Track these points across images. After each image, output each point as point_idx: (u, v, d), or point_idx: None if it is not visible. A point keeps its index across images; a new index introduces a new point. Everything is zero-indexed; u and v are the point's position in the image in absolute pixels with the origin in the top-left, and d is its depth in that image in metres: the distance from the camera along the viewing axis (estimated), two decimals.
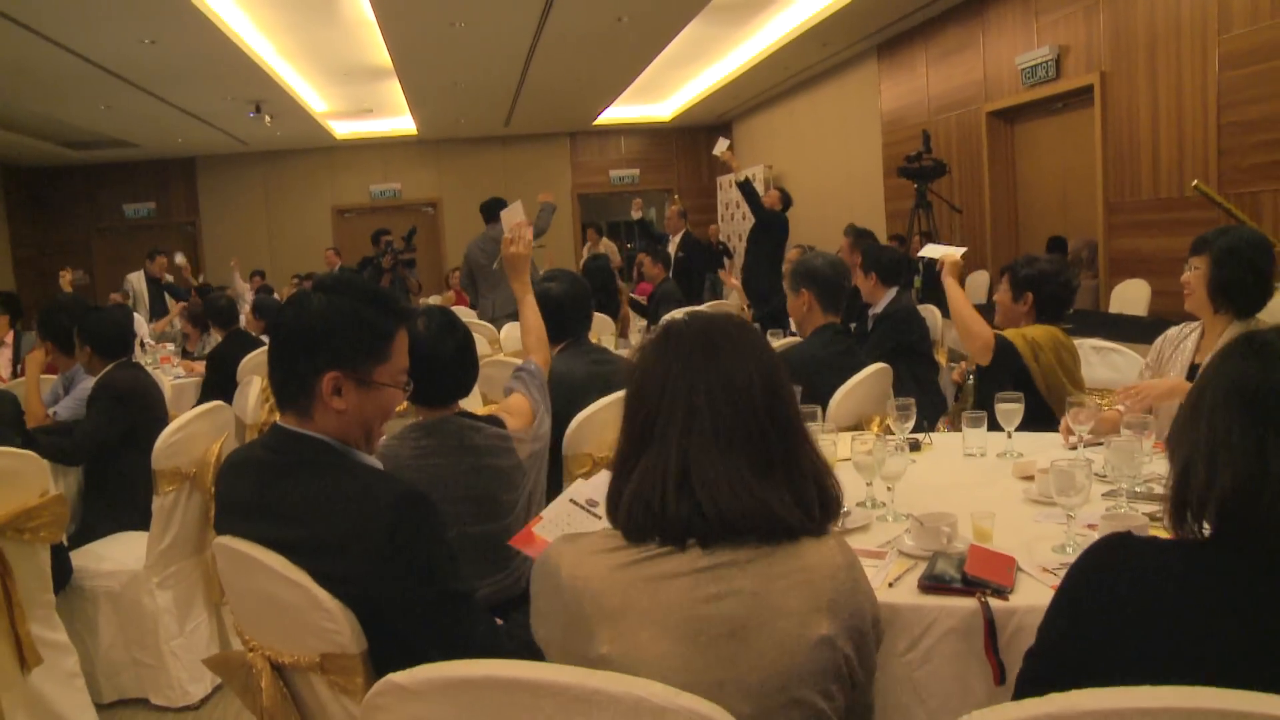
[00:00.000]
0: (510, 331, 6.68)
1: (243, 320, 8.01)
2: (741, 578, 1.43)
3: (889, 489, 2.53)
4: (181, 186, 17.36)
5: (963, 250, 4.30)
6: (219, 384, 6.24)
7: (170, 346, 8.37)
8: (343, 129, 15.97)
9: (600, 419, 3.33)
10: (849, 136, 12.79)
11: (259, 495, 1.93)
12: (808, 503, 1.53)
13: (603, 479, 2.30)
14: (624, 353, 5.06)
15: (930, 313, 6.38)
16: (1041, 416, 3.45)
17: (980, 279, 9.80)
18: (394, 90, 12.97)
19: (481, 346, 3.82)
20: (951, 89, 10.28)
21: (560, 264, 14.95)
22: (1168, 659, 1.36)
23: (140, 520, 4.21)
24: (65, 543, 3.79)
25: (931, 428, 3.87)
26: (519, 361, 3.22)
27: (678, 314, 1.81)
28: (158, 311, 11.34)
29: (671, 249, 10.20)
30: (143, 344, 8.68)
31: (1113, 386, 3.89)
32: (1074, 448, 3.02)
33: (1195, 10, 6.97)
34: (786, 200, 9.77)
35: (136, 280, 11.81)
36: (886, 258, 5.27)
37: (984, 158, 9.75)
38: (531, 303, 3.39)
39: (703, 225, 14.88)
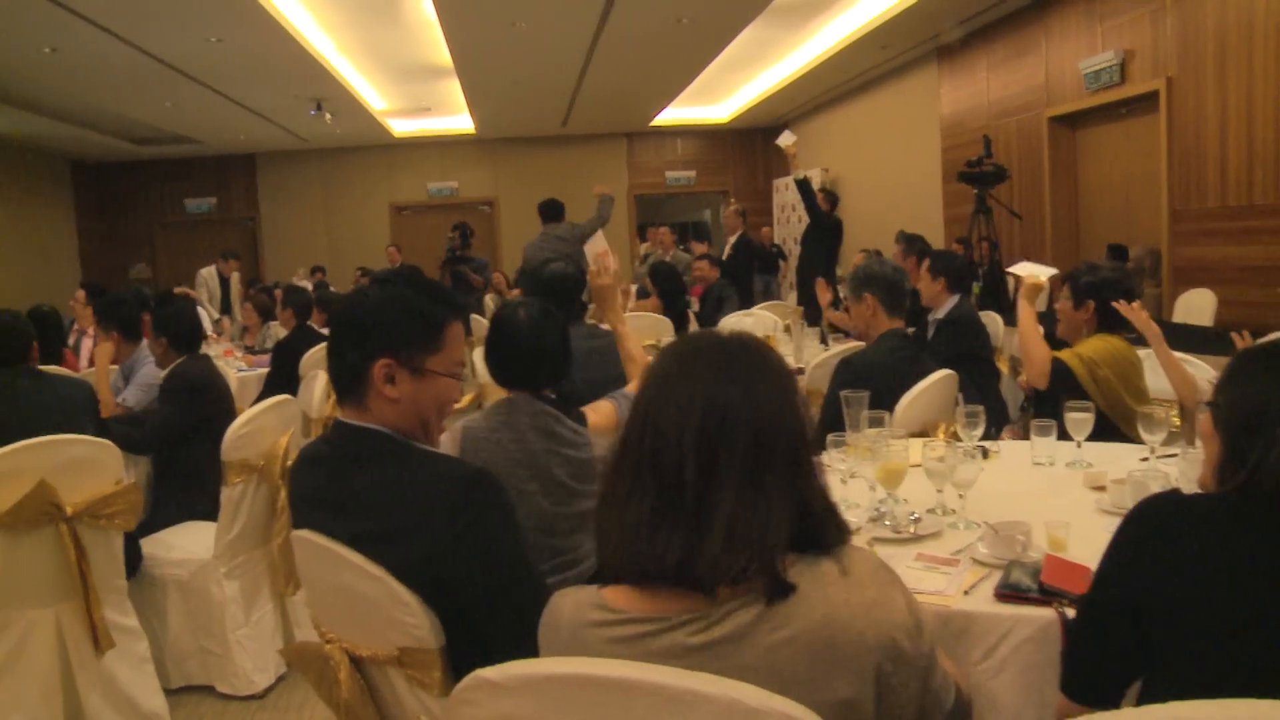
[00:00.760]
0: None
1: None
2: (741, 654, 1.31)
3: (960, 496, 2.52)
4: (242, 182, 17.58)
5: (1052, 272, 4.27)
6: (283, 377, 6.32)
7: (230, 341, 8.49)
8: (401, 127, 16.09)
9: None
10: (907, 140, 12.72)
11: (328, 490, 1.97)
12: (774, 552, 1.35)
13: None
14: None
15: (992, 319, 6.34)
16: (1104, 429, 3.41)
17: None
18: (453, 89, 13.07)
19: None
20: (1012, 93, 10.20)
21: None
22: (1230, 606, 1.49)
23: (206, 510, 4.28)
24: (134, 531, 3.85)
25: (995, 435, 3.85)
26: None
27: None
28: (224, 308, 11.61)
29: (725, 250, 10.20)
30: (205, 337, 8.83)
31: None
32: (1145, 459, 3.00)
33: (1270, 13, 6.86)
34: (832, 202, 9.74)
35: (209, 275, 12.09)
36: (956, 263, 5.25)
37: (1045, 163, 9.67)
38: (629, 334, 3.41)
39: (756, 228, 14.84)
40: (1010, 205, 9.59)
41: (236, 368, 6.85)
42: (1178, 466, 2.71)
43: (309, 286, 12.45)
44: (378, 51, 11.39)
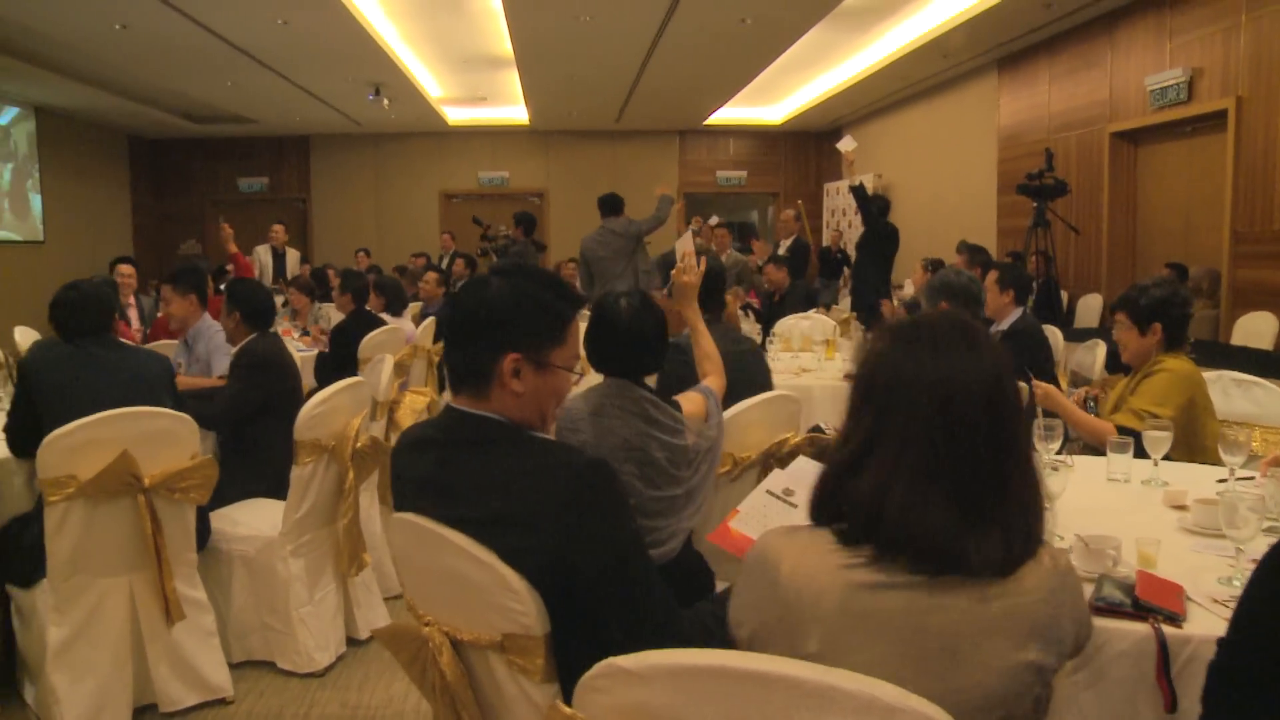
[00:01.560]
0: None
1: None
2: (956, 596, 1.43)
3: (1047, 507, 2.51)
4: (295, 163, 17.71)
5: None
6: (341, 359, 6.38)
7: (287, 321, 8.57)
8: (455, 115, 16.16)
9: (744, 420, 3.36)
10: (963, 150, 12.65)
11: (439, 474, 1.99)
12: (1016, 538, 1.48)
13: (800, 467, 2.38)
14: None
15: (1052, 333, 6.31)
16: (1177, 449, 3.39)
17: (1094, 302, 9.65)
18: (510, 79, 13.12)
19: None
20: (1074, 107, 10.13)
21: None
22: None
23: (270, 487, 4.34)
24: None
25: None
26: None
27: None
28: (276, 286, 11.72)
29: (781, 251, 10.20)
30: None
31: (1255, 420, 3.83)
32: (1223, 480, 2.99)
33: None
34: (882, 207, 9.71)
35: (263, 253, 12.21)
36: (1025, 276, 5.24)
37: (1104, 179, 9.60)
38: (704, 330, 3.43)
39: (812, 232, 14.80)
40: (1068, 220, 9.53)
41: (296, 348, 6.92)
42: (1267, 489, 2.69)
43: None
44: (439, 39, 11.44)
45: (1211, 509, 2.50)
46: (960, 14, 9.98)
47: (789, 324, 7.17)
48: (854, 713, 1.22)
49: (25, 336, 7.46)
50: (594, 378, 2.90)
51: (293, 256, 12.63)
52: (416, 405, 5.20)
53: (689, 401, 2.97)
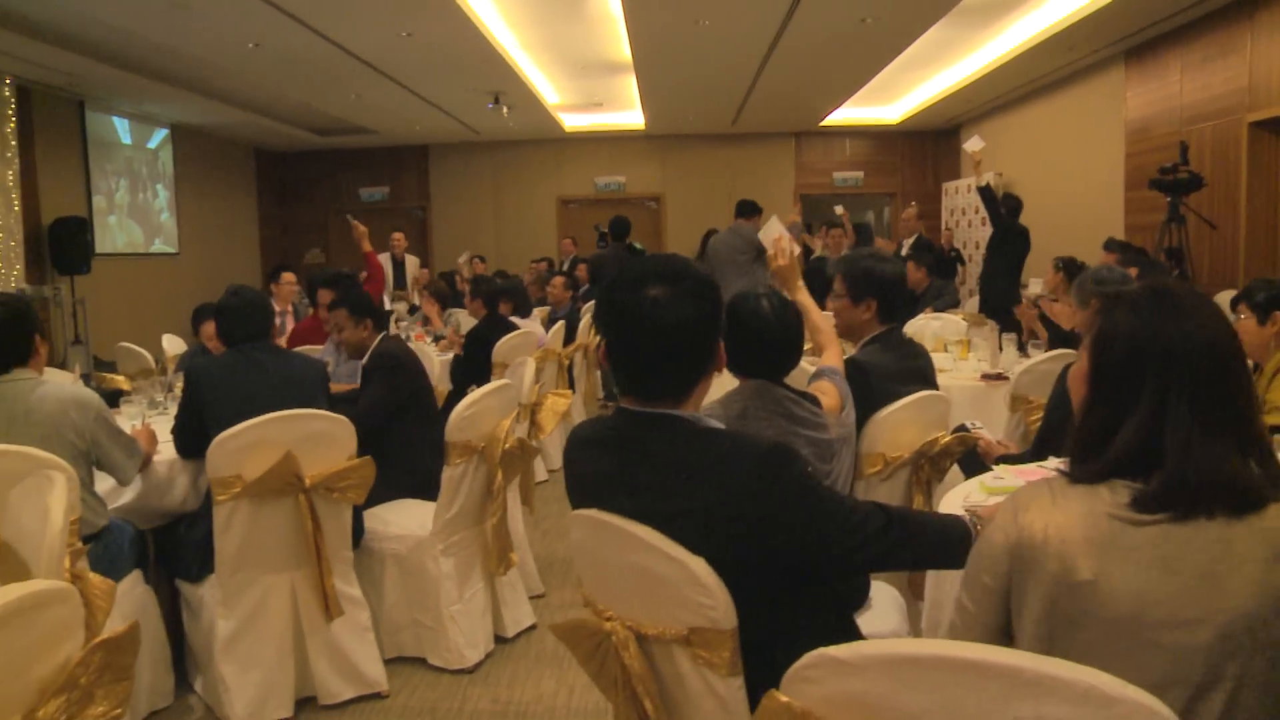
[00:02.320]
0: None
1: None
2: (1211, 528, 1.51)
3: None
4: (414, 173, 18.02)
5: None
6: (474, 364, 6.49)
7: (420, 326, 8.75)
8: (572, 121, 16.30)
9: (895, 420, 3.35)
10: (1087, 146, 12.37)
11: (621, 470, 2.02)
12: (1266, 471, 1.58)
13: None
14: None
15: None
16: None
17: (1229, 299, 9.36)
18: (626, 85, 13.19)
19: None
20: (1209, 97, 9.84)
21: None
22: None
23: (413, 486, 4.45)
24: None
25: None
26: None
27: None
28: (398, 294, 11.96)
29: (904, 250, 10.11)
30: (398, 321, 9.18)
31: None
32: None
33: None
34: (1013, 208, 9.54)
35: (384, 261, 12.45)
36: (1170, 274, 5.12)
37: (1242, 171, 9.30)
38: (814, 305, 3.43)
39: (930, 232, 14.60)
40: (1203, 215, 9.27)
41: (429, 352, 7.05)
42: None
43: (465, 271, 12.73)
44: (557, 46, 11.56)
45: None
46: (1086, 6, 9.77)
47: (919, 324, 7.11)
48: (1072, 701, 1.22)
49: (172, 344, 7.73)
50: (726, 381, 2.91)
51: (411, 263, 12.86)
52: (558, 407, 5.27)
53: (824, 394, 2.97)
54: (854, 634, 2.25)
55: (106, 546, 3.54)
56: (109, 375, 6.99)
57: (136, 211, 13.65)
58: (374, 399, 4.57)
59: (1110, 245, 7.34)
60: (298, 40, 9.71)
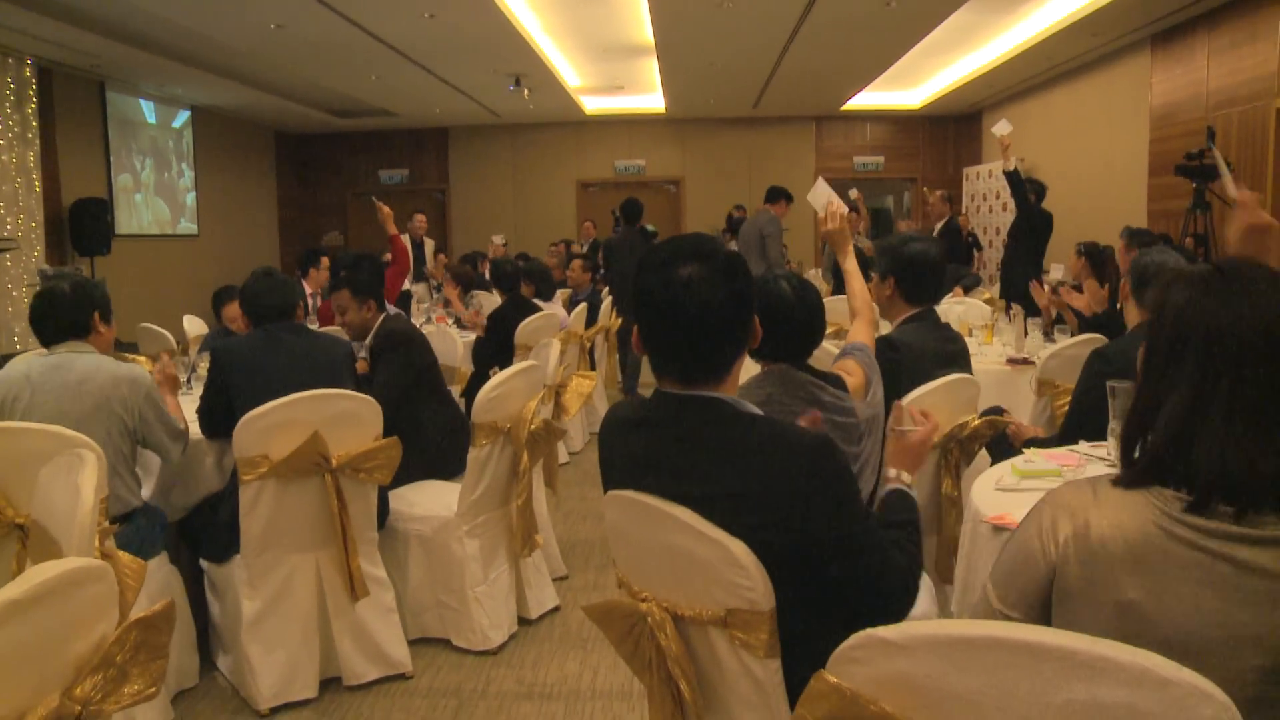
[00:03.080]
0: None
1: None
2: (1265, 543, 1.43)
3: None
4: (433, 155, 18.00)
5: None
6: (498, 344, 6.49)
7: (441, 308, 8.74)
8: (593, 104, 16.26)
9: (925, 404, 3.31)
10: (1111, 131, 12.27)
11: (658, 453, 1.99)
12: None
13: None
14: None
15: None
16: None
17: None
18: (648, 68, 13.14)
19: None
20: (1237, 82, 9.73)
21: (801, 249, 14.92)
22: None
23: (430, 465, 4.45)
24: None
25: None
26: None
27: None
28: (419, 274, 11.94)
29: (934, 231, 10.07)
30: (418, 303, 9.18)
31: None
32: None
33: None
34: (1039, 193, 9.46)
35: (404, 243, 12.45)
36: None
37: (1270, 157, 9.20)
38: (856, 271, 3.41)
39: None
40: (1229, 201, 9.18)
41: (451, 333, 7.05)
42: None
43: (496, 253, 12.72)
44: (580, 29, 11.52)
45: None
46: None
47: (943, 309, 7.05)
48: (1126, 684, 1.20)
49: (193, 325, 7.74)
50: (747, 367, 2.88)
51: (429, 246, 12.88)
52: (583, 389, 5.26)
53: (849, 374, 2.91)
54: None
55: (138, 528, 3.56)
56: (130, 356, 7.00)
57: (163, 190, 13.71)
58: (387, 379, 4.53)
59: (1125, 233, 7.25)
60: (319, 22, 9.69)
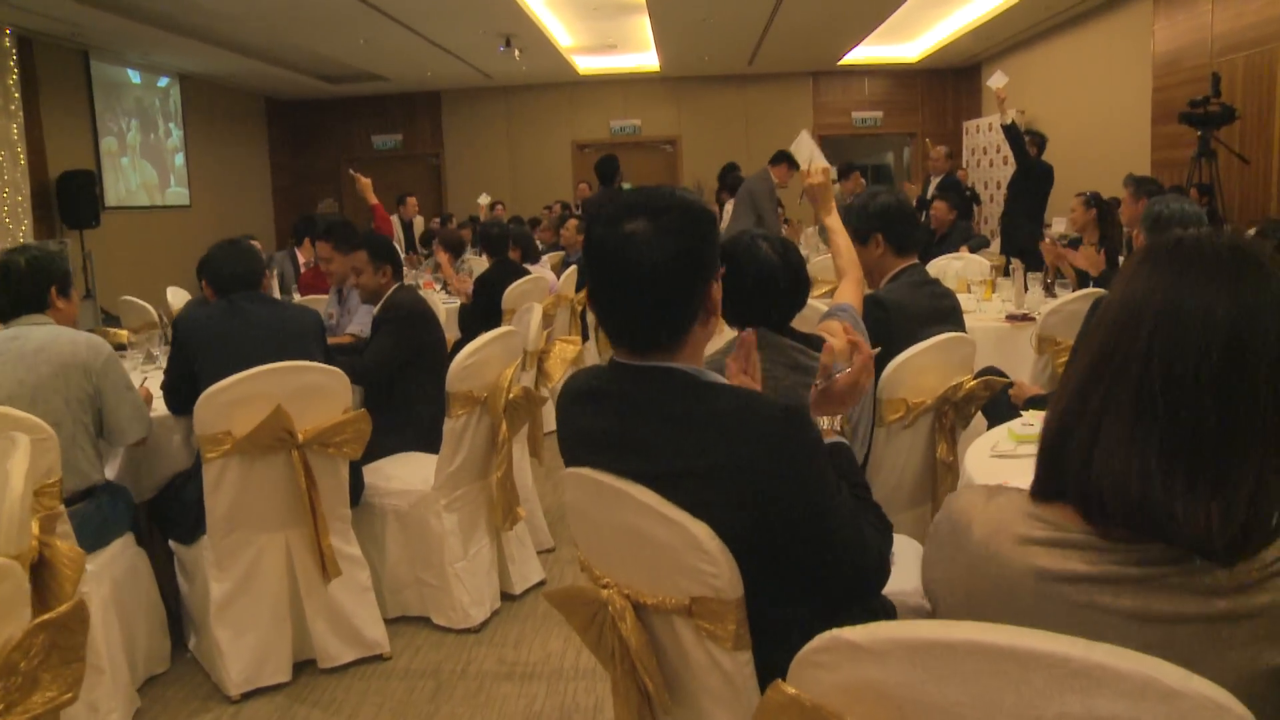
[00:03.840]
0: None
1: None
2: (1178, 597, 1.18)
3: None
4: (427, 120, 17.77)
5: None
6: (485, 309, 6.32)
7: (429, 274, 8.58)
8: (586, 64, 16.01)
9: (917, 364, 3.16)
10: (1113, 80, 12.02)
11: (615, 427, 1.81)
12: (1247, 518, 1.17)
13: None
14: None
15: None
16: None
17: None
18: (640, 26, 12.91)
19: None
20: (1241, 27, 9.49)
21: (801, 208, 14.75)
22: None
23: (415, 440, 4.31)
24: None
25: None
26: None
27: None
28: (409, 249, 11.83)
29: (930, 190, 9.87)
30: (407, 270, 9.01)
31: None
32: None
33: None
34: (1040, 145, 9.25)
35: (394, 224, 12.28)
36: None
37: (1276, 103, 8.98)
38: (839, 228, 3.25)
39: (952, 171, 14.28)
40: (1234, 148, 8.96)
41: (439, 299, 6.90)
42: None
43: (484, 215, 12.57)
44: None
45: None
46: None
47: (941, 264, 6.88)
48: (1127, 696, 1.04)
49: (177, 297, 7.57)
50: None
51: (418, 224, 12.76)
52: (566, 354, 5.10)
53: (832, 335, 2.74)
54: (885, 612, 2.08)
55: (100, 506, 3.41)
56: (112, 330, 6.85)
57: (149, 152, 13.53)
58: (381, 349, 4.42)
59: (1127, 181, 7.03)
60: None
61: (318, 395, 3.48)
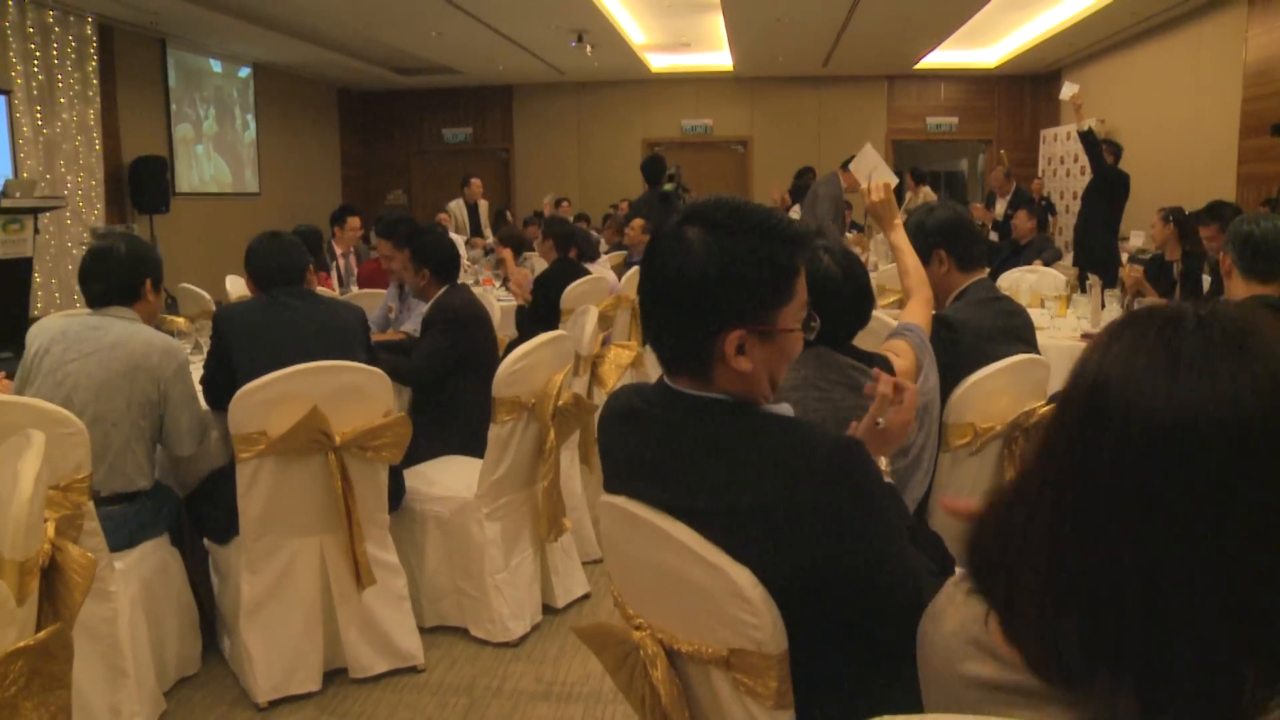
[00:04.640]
0: None
1: None
2: None
3: None
4: (497, 114, 17.72)
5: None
6: (543, 310, 6.20)
7: (489, 270, 8.48)
8: (658, 62, 15.86)
9: (988, 387, 2.97)
10: (1200, 90, 11.62)
11: (657, 453, 1.66)
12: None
13: None
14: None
15: None
16: None
17: None
18: (714, 24, 12.74)
19: None
20: None
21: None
22: None
23: (461, 444, 4.19)
24: None
25: None
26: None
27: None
28: (475, 234, 11.75)
29: (999, 210, 9.64)
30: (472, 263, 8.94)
31: None
32: None
33: None
34: (1116, 154, 8.98)
35: (456, 208, 12.23)
36: None
37: None
38: (906, 247, 3.06)
39: (1025, 180, 13.92)
40: None
41: (497, 298, 6.78)
42: None
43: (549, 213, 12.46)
44: None
45: None
46: None
47: (1014, 278, 6.64)
48: None
49: (236, 286, 7.53)
50: None
51: (483, 208, 12.64)
52: (621, 360, 4.93)
53: (897, 356, 2.55)
54: None
55: (139, 509, 3.33)
56: (169, 317, 6.81)
57: (224, 145, 13.64)
58: (428, 351, 4.33)
59: (1169, 216, 6.65)
60: None
61: (356, 396, 3.36)
